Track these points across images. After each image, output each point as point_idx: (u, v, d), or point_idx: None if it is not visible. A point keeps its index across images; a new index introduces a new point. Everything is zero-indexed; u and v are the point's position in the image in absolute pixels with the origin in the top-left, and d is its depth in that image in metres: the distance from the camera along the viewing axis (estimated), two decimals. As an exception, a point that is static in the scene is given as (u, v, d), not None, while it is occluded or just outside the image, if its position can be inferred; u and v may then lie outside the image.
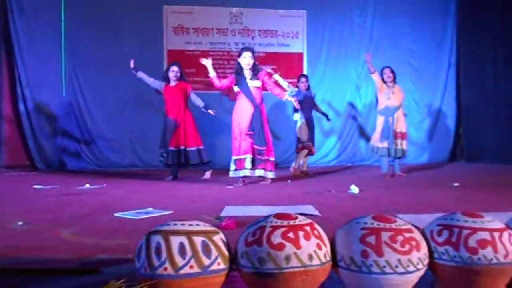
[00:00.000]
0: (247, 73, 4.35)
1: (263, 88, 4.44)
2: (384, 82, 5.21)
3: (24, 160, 6.91)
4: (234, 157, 4.34)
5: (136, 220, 2.27)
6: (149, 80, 5.13)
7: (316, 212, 2.46)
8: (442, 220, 1.15)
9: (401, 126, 5.20)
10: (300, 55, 7.41)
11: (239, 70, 4.37)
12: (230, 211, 2.54)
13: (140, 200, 3.08)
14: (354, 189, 3.54)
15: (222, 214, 2.42)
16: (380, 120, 5.30)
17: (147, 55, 6.98)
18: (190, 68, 6.44)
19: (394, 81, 5.23)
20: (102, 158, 6.99)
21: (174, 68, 5.03)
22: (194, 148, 5.01)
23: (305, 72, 7.13)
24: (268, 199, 3.19)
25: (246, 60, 4.32)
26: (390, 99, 5.19)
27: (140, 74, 5.13)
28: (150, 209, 2.60)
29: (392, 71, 5.22)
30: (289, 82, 5.52)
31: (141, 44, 6.95)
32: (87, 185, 4.13)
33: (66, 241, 1.79)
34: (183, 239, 0.94)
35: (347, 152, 7.54)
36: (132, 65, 5.10)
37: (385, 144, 5.18)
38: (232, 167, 4.33)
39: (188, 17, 7.23)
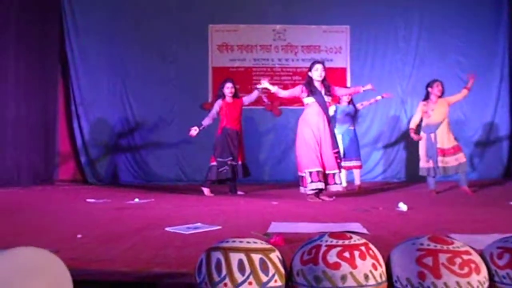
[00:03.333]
0: (319, 87, 4.37)
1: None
2: (427, 96, 5.10)
3: (77, 174, 7.28)
4: (312, 170, 4.19)
5: (186, 235, 2.33)
6: (209, 118, 5.05)
7: (364, 230, 2.41)
8: (503, 242, 1.12)
9: (444, 142, 4.95)
10: (344, 70, 7.38)
11: (310, 83, 4.38)
12: (277, 227, 2.55)
13: (187, 215, 3.15)
14: (403, 206, 3.45)
15: (269, 230, 2.44)
16: (422, 137, 5.11)
17: (192, 72, 7.23)
18: (234, 84, 6.59)
19: (441, 96, 5.07)
20: (150, 172, 7.22)
21: (229, 85, 5.12)
22: (243, 163, 5.11)
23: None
24: (314, 215, 3.17)
25: (318, 72, 4.33)
26: (430, 117, 5.02)
27: (204, 123, 5.02)
28: (199, 224, 2.66)
29: (443, 86, 5.07)
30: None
31: (186, 62, 7.20)
32: (136, 199, 4.28)
33: (122, 254, 1.86)
34: (242, 256, 0.97)
35: (392, 168, 7.37)
36: (194, 133, 4.97)
37: (430, 164, 4.98)
38: (309, 179, 4.19)
39: (233, 35, 7.40)
